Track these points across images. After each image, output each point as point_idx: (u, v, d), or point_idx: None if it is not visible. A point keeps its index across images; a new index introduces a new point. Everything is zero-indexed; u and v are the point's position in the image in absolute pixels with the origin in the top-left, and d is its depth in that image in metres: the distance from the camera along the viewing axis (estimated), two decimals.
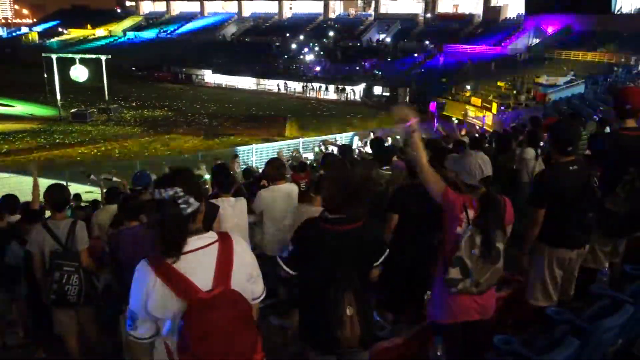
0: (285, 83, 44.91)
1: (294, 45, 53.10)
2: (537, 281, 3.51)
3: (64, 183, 12.61)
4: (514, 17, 48.47)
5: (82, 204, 10.79)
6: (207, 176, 11.26)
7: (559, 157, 3.40)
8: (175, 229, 1.88)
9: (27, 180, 15.52)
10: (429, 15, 53.93)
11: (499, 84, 33.08)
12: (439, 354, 3.22)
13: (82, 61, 31.90)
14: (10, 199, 5.86)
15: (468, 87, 33.13)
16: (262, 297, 2.13)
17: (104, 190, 6.02)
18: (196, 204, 1.92)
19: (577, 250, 3.45)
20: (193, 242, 1.91)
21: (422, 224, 3.87)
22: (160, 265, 1.87)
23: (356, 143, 16.09)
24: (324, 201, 2.59)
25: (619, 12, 40.61)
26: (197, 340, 1.77)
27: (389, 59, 46.21)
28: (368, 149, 15.22)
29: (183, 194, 1.89)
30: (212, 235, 1.98)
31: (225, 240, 1.99)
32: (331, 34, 54.04)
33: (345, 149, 7.45)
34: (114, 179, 8.26)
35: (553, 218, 3.35)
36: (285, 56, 51.00)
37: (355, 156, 11.89)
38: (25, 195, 6.71)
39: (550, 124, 3.56)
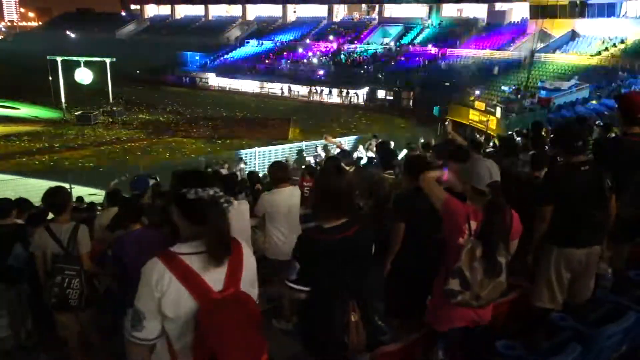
0: (288, 86, 44.99)
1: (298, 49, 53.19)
2: (543, 282, 3.48)
3: (67, 186, 12.69)
4: (518, 21, 48.43)
5: (80, 207, 10.78)
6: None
7: (569, 157, 3.38)
8: (223, 229, 1.91)
9: (31, 183, 15.61)
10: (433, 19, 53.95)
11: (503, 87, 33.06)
12: (440, 358, 3.21)
13: (87, 64, 32.02)
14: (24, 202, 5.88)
15: (477, 92, 33.02)
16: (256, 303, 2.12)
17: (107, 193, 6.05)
18: (233, 203, 1.94)
19: (586, 250, 3.41)
20: None
21: (425, 228, 3.86)
22: (174, 263, 1.85)
23: (360, 149, 16.06)
24: (312, 211, 2.58)
25: (624, 17, 40.52)
26: (216, 339, 1.77)
27: (392, 63, 46.23)
28: (370, 154, 15.24)
29: (222, 193, 1.92)
30: None
31: (235, 244, 2.00)
32: (335, 37, 54.11)
33: (345, 154, 7.38)
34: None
35: (561, 217, 3.33)
36: (289, 59, 51.09)
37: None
38: (29, 198, 6.75)
39: (555, 127, 3.58)
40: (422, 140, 15.37)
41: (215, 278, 1.88)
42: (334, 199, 2.47)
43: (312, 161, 15.81)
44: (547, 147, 7.63)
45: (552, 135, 3.95)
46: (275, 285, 4.81)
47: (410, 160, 4.19)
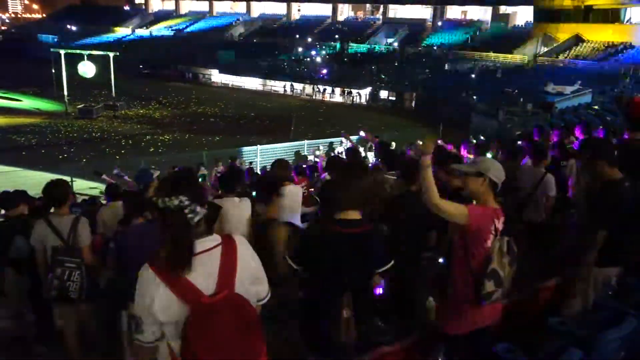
0: (291, 84, 44.96)
1: (301, 48, 53.14)
2: (580, 299, 3.45)
3: (69, 179, 12.70)
4: (522, 25, 48.39)
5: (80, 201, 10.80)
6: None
7: (610, 172, 3.33)
8: (183, 240, 1.83)
9: (32, 175, 15.59)
10: (437, 20, 53.94)
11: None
12: None
13: (90, 57, 32.03)
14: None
15: (475, 97, 33.01)
16: (267, 299, 2.10)
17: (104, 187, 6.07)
18: (203, 211, 1.88)
19: (619, 267, 3.42)
20: (196, 245, 1.87)
21: (414, 232, 3.89)
22: (163, 269, 1.84)
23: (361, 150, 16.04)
24: (332, 203, 2.57)
25: (628, 23, 40.51)
26: (202, 345, 1.75)
27: (395, 64, 46.18)
28: (371, 154, 15.23)
29: (189, 202, 1.84)
30: (215, 238, 1.95)
31: (228, 243, 1.96)
32: (339, 36, 54.11)
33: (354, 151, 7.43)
34: (126, 177, 8.27)
35: (610, 240, 3.26)
36: (293, 58, 51.05)
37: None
38: (30, 190, 6.75)
39: (589, 141, 3.49)
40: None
41: (206, 281, 1.85)
42: (357, 193, 2.48)
43: (313, 159, 15.82)
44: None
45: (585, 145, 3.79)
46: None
47: (406, 164, 4.17)
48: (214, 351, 1.75)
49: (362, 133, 8.61)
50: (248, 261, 1.98)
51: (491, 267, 2.70)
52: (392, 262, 2.65)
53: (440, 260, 4.74)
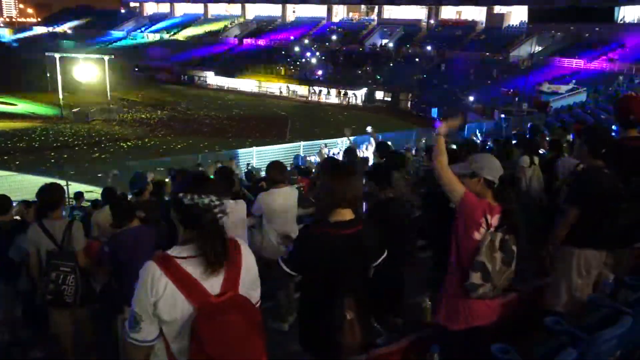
0: (287, 86, 44.96)
1: (296, 49, 53.15)
2: (563, 287, 3.47)
3: (64, 182, 12.65)
4: (516, 25, 48.54)
5: (84, 204, 10.79)
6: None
7: (592, 161, 3.39)
8: (216, 238, 1.85)
9: (27, 179, 15.55)
10: (432, 21, 54.04)
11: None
12: None
13: (85, 61, 31.97)
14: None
15: (471, 98, 33.12)
16: (258, 304, 2.09)
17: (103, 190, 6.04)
18: (228, 213, 1.91)
19: (604, 252, 3.43)
20: None
21: (399, 234, 3.90)
22: (171, 267, 1.82)
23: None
24: (322, 206, 2.57)
25: (621, 22, 40.70)
26: (213, 344, 1.75)
27: (391, 64, 46.25)
28: (369, 154, 15.23)
29: (219, 202, 1.86)
30: None
31: (234, 246, 1.97)
32: (334, 38, 54.12)
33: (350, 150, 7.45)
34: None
35: (587, 220, 3.32)
36: (288, 59, 51.05)
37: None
38: (25, 194, 6.74)
39: (584, 128, 3.57)
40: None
41: (212, 281, 1.85)
42: (344, 194, 2.47)
43: (314, 160, 15.83)
44: (542, 151, 7.66)
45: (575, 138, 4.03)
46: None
47: (378, 171, 4.23)
48: (224, 350, 1.76)
49: (368, 129, 8.74)
50: (250, 264, 2.00)
51: (478, 258, 2.70)
52: (386, 252, 2.65)
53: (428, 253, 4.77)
